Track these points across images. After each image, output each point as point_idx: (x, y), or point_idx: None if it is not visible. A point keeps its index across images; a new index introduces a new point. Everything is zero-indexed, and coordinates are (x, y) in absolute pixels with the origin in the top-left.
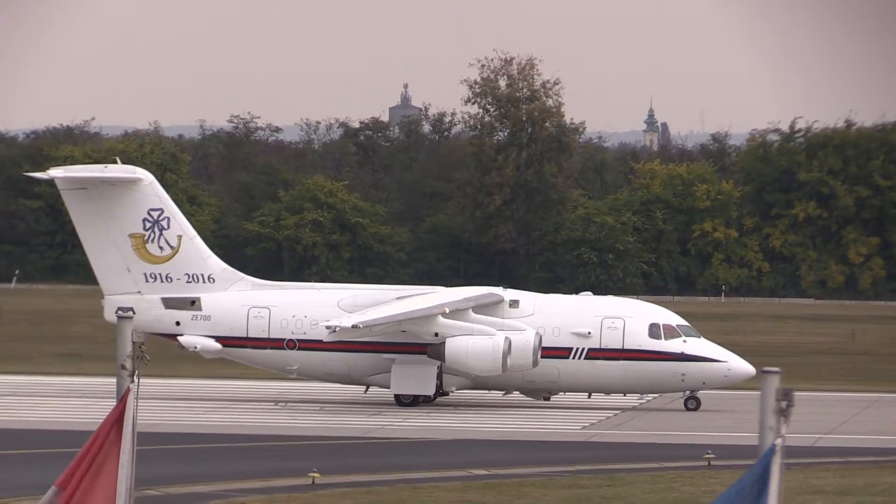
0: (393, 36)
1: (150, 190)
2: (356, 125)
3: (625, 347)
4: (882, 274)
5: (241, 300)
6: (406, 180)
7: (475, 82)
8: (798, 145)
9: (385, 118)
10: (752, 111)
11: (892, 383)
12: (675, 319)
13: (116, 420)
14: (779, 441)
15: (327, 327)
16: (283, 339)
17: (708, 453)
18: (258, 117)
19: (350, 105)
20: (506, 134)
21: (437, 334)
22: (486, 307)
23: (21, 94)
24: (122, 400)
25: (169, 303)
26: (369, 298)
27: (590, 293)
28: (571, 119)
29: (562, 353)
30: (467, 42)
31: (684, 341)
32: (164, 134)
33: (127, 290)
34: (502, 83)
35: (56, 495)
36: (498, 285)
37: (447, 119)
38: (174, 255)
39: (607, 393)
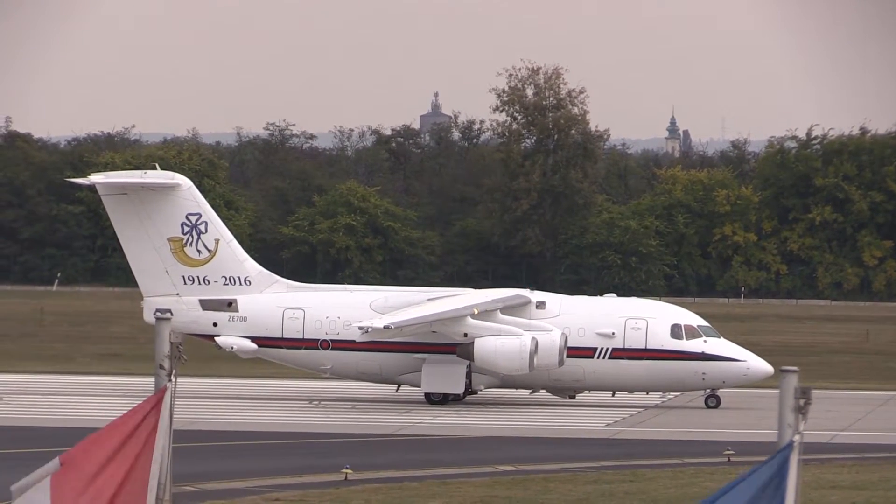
0: (424, 46)
1: (189, 195)
2: (388, 132)
3: (647, 347)
4: None
5: (277, 302)
6: (436, 186)
7: (503, 91)
8: (814, 152)
9: (416, 126)
10: (770, 119)
11: None
12: (696, 320)
13: (150, 414)
14: (797, 437)
15: (360, 328)
16: (318, 340)
17: (728, 450)
18: (293, 125)
19: (382, 113)
20: (533, 141)
21: (466, 335)
22: (514, 308)
23: (63, 102)
24: (155, 395)
25: (206, 304)
26: (400, 300)
27: (614, 295)
28: (596, 127)
29: (587, 352)
30: (495, 52)
31: (705, 341)
32: (201, 141)
33: (165, 292)
34: (529, 92)
35: (55, 469)
36: (525, 287)
37: (476, 126)
38: (211, 258)
39: (630, 391)
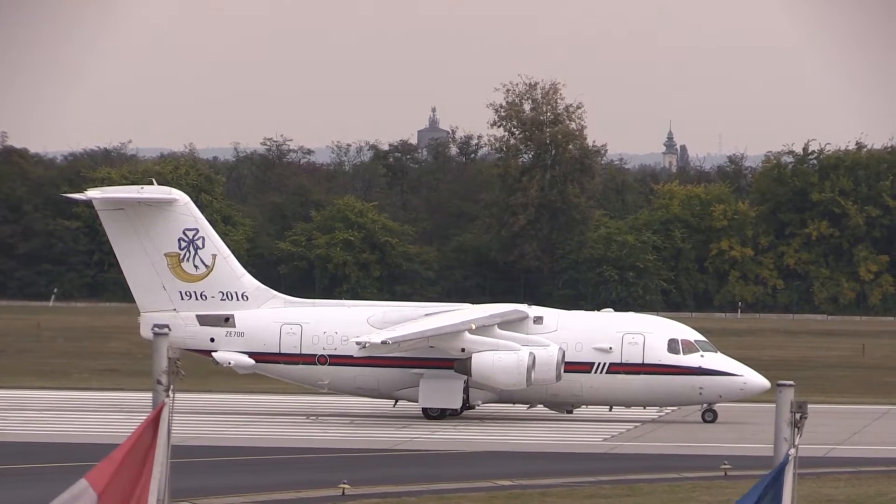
0: (421, 62)
1: (186, 210)
2: (385, 147)
3: (645, 362)
4: (892, 290)
5: (274, 317)
6: (434, 201)
7: (501, 106)
8: (811, 167)
9: (413, 141)
10: (767, 134)
11: None
12: (693, 335)
13: (150, 430)
14: (793, 451)
15: (357, 343)
16: (315, 355)
17: (724, 464)
18: (290, 140)
19: (380, 128)
20: (530, 156)
21: (463, 350)
22: (511, 323)
23: (60, 118)
24: (155, 410)
25: (204, 320)
26: (398, 315)
27: (611, 310)
28: (593, 142)
29: (584, 367)
30: (493, 67)
31: (702, 356)
32: (199, 156)
33: (163, 307)
34: (527, 107)
35: (86, 490)
36: (522, 302)
37: (474, 142)
38: (209, 273)
39: (628, 406)
